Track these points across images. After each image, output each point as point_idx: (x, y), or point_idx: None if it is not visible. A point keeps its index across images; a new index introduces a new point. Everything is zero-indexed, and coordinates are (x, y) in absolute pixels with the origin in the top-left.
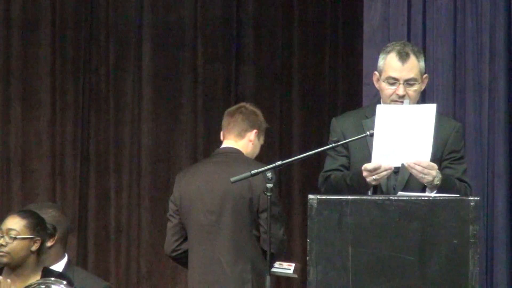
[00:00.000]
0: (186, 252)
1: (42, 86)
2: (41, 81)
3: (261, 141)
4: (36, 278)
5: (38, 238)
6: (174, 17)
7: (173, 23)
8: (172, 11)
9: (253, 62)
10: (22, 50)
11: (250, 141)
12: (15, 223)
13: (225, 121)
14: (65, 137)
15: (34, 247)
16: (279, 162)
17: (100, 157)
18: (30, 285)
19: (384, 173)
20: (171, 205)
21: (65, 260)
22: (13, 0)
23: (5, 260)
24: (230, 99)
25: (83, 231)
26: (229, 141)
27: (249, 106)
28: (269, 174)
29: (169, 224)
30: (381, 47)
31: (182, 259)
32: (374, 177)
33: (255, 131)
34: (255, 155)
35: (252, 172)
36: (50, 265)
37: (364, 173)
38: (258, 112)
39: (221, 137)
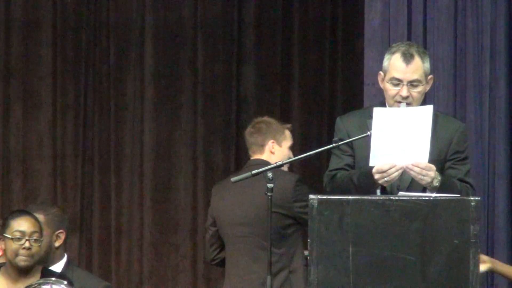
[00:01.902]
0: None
1: (43, 87)
2: (42, 82)
3: (286, 145)
4: (36, 278)
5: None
6: (175, 16)
7: (174, 23)
8: (173, 10)
9: (253, 62)
10: (23, 51)
11: (271, 152)
12: (33, 225)
13: (246, 142)
14: (66, 137)
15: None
16: (280, 162)
17: (102, 157)
18: (31, 285)
19: (396, 173)
20: (208, 217)
21: (64, 260)
22: (13, 1)
23: (29, 263)
24: (231, 99)
25: (88, 232)
26: (255, 156)
27: (261, 119)
28: (269, 174)
29: (207, 235)
30: (381, 48)
31: (223, 265)
32: (386, 179)
33: (271, 141)
34: (287, 168)
35: (253, 172)
36: (51, 265)
37: (377, 176)
38: (271, 120)
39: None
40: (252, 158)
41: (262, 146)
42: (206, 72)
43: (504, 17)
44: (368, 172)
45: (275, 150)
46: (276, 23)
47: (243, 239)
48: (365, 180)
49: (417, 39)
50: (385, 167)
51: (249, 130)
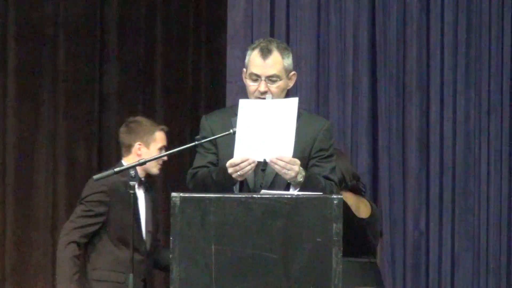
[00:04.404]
0: None
1: None
2: None
3: (154, 147)
4: None
5: None
6: (37, 14)
7: (36, 20)
8: (36, 8)
9: (116, 59)
10: None
11: (138, 155)
12: None
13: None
14: None
15: None
16: (142, 160)
17: None
18: None
19: (248, 167)
20: None
21: None
22: None
23: None
24: (94, 97)
25: None
26: (123, 159)
27: (133, 119)
28: (132, 172)
29: None
30: (244, 45)
31: None
32: (238, 173)
33: (138, 143)
34: (156, 167)
35: (116, 169)
36: None
37: (230, 170)
38: (142, 120)
39: None
40: (122, 160)
41: (129, 147)
42: (69, 70)
43: (366, 15)
44: (224, 167)
45: (142, 152)
46: (139, 20)
47: None
48: (222, 176)
49: (280, 37)
50: (237, 161)
51: (120, 129)
